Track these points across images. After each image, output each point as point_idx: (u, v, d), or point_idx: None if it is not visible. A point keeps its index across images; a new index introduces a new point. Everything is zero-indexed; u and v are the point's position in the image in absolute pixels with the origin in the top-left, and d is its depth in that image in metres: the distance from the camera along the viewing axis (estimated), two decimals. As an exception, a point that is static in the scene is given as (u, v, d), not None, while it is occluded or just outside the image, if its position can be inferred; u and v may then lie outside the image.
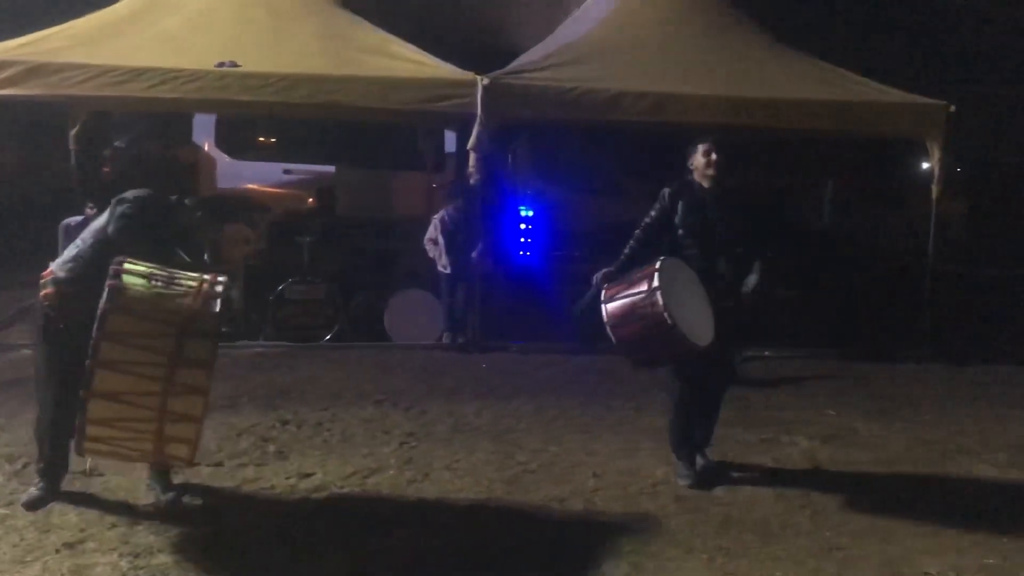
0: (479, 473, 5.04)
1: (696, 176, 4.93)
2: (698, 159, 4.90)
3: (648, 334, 4.41)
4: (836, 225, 11.99)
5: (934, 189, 8.24)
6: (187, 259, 4.09)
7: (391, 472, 5.01)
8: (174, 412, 3.65)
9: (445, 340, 8.23)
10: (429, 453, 5.34)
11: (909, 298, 8.75)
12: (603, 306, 4.55)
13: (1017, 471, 5.33)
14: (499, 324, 8.34)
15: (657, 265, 4.46)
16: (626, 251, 4.90)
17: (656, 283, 4.37)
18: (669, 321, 4.31)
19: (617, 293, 4.53)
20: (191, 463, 3.96)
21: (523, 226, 9.91)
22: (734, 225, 4.89)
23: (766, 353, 8.08)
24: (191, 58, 7.45)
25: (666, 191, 4.94)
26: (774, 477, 5.09)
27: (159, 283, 3.72)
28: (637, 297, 4.42)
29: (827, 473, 5.24)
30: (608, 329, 4.51)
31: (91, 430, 3.62)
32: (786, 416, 6.32)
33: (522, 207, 9.93)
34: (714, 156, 4.86)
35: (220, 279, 3.82)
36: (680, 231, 4.87)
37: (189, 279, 3.79)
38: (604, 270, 4.78)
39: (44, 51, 7.36)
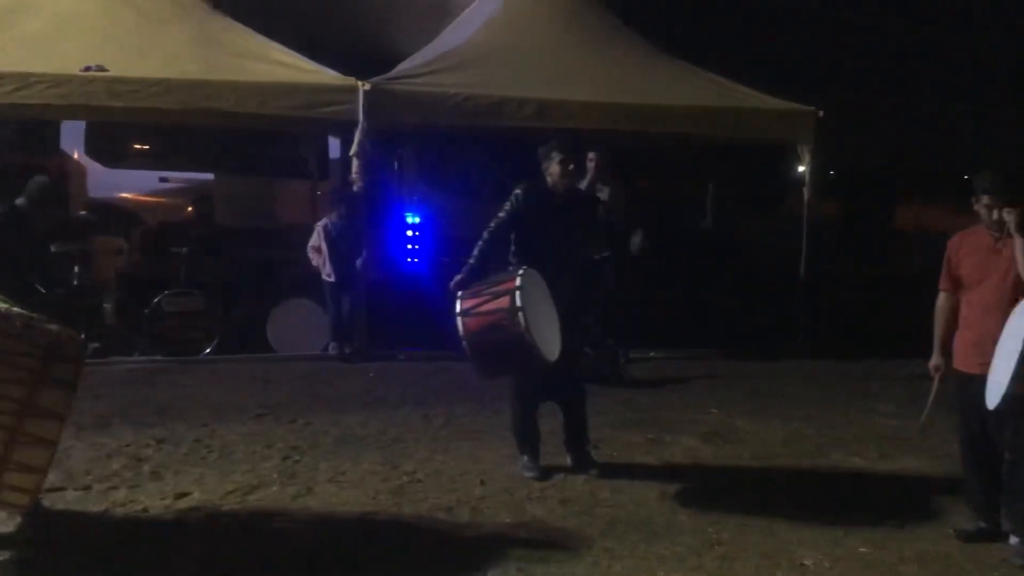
0: (365, 485, 4.94)
1: (549, 180, 4.94)
2: (553, 167, 4.90)
3: (506, 351, 4.44)
4: (717, 227, 12.32)
5: (806, 192, 8.56)
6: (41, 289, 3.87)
7: (274, 488, 4.86)
8: (17, 462, 3.45)
9: (331, 350, 8.08)
10: (313, 466, 5.21)
11: (785, 297, 9.06)
12: (459, 319, 4.50)
13: (887, 463, 5.57)
14: (387, 332, 8.24)
15: (518, 282, 4.44)
16: (476, 253, 4.88)
17: (518, 302, 4.37)
18: (529, 341, 4.35)
19: (475, 307, 4.50)
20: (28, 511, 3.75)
21: (410, 233, 9.81)
22: (582, 228, 4.96)
23: (651, 354, 8.25)
24: (55, 62, 7.11)
25: (518, 192, 4.93)
26: (659, 476, 5.16)
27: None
28: (498, 315, 4.41)
29: (709, 470, 5.36)
30: (464, 342, 4.49)
31: None
32: (670, 416, 6.44)
33: (409, 213, 9.83)
34: (571, 167, 4.89)
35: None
36: (530, 232, 4.89)
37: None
38: (456, 278, 4.74)
39: None
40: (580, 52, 8.67)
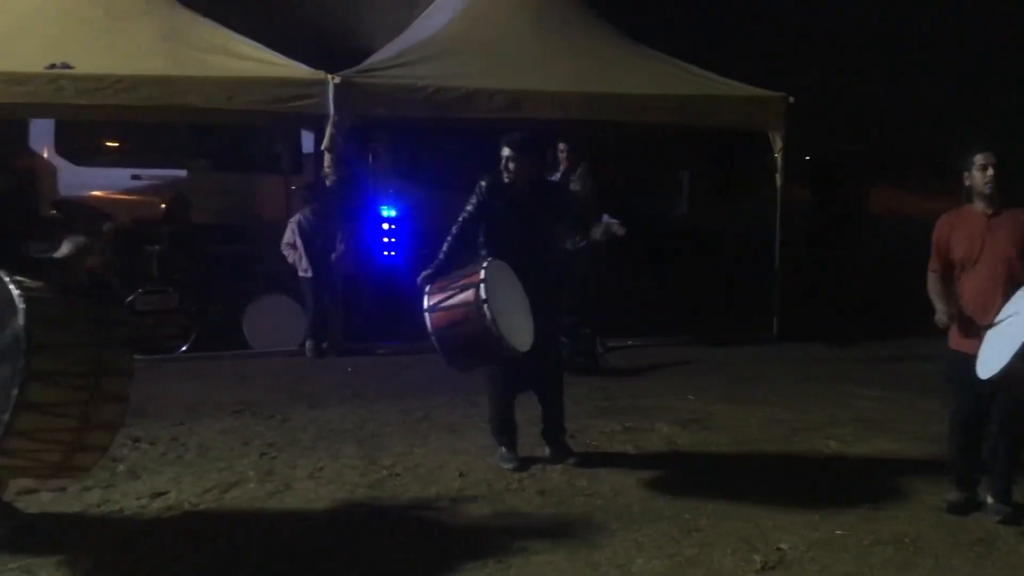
0: (343, 480, 4.93)
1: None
2: (501, 164, 4.90)
3: (473, 344, 4.47)
4: (691, 215, 12.38)
5: (777, 178, 8.61)
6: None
7: (251, 485, 4.84)
8: (98, 420, 3.57)
9: (308, 352, 8.03)
10: (291, 462, 5.19)
11: (760, 283, 9.12)
12: (426, 314, 4.52)
13: (863, 445, 5.62)
14: (364, 327, 8.22)
15: (482, 275, 4.46)
16: (444, 248, 4.90)
17: (483, 295, 4.39)
18: (496, 333, 4.38)
19: (441, 302, 4.51)
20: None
21: (386, 226, 9.79)
22: (550, 220, 4.96)
23: (628, 342, 8.27)
24: (19, 60, 7.02)
25: (483, 184, 4.94)
26: (636, 464, 5.19)
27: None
28: (464, 309, 4.43)
29: (686, 457, 5.39)
30: (432, 337, 4.51)
31: (12, 443, 3.38)
32: (647, 403, 6.47)
33: (384, 206, 9.80)
34: (511, 165, 4.87)
35: None
36: (496, 224, 4.90)
37: None
38: (424, 272, 4.75)
39: None
40: (550, 42, 8.66)
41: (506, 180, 4.90)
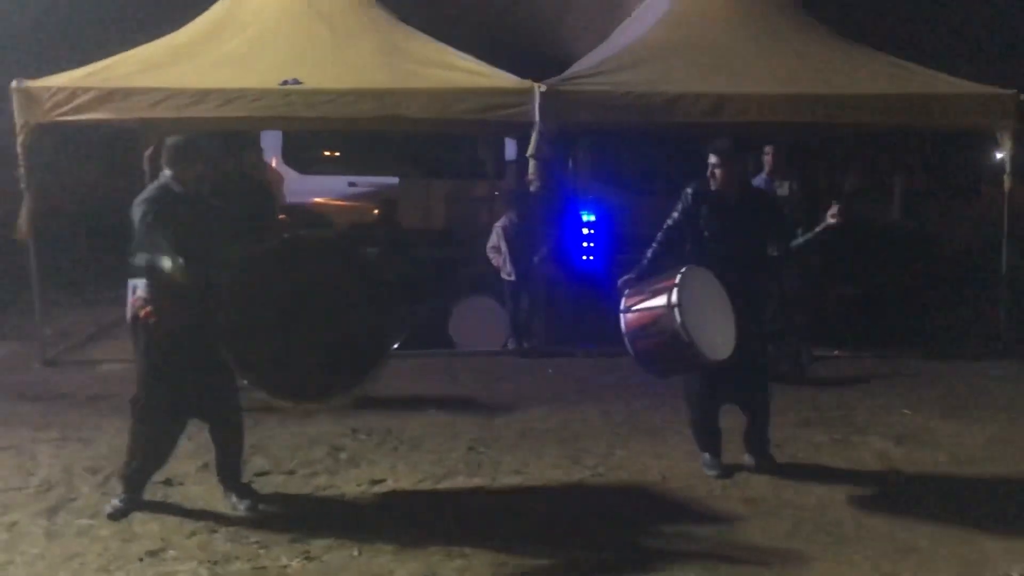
0: (547, 477, 5.07)
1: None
2: (709, 170, 4.86)
3: (665, 349, 4.47)
4: (906, 220, 11.74)
5: (1006, 180, 8.02)
6: None
7: (460, 478, 5.07)
8: None
9: (510, 346, 8.28)
10: (497, 459, 5.38)
11: (982, 294, 8.51)
12: (622, 316, 4.58)
13: (1103, 469, 5.16)
14: (564, 329, 8.35)
15: (677, 279, 4.45)
16: (648, 254, 4.91)
17: (675, 299, 4.38)
18: (686, 339, 4.35)
19: (636, 304, 4.55)
20: None
21: (585, 231, 9.91)
22: (757, 227, 4.85)
23: (835, 353, 7.94)
24: (256, 77, 7.63)
25: (688, 191, 4.91)
26: (846, 478, 5.00)
27: None
28: (656, 311, 4.44)
29: (902, 474, 5.13)
30: (626, 340, 4.55)
31: None
32: (858, 416, 6.21)
33: (584, 212, 9.93)
34: (717, 172, 4.81)
35: None
36: (705, 233, 4.85)
37: None
38: (625, 276, 4.78)
39: (115, 76, 7.61)
40: (757, 44, 8.45)
41: (713, 187, 4.87)
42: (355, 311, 4.39)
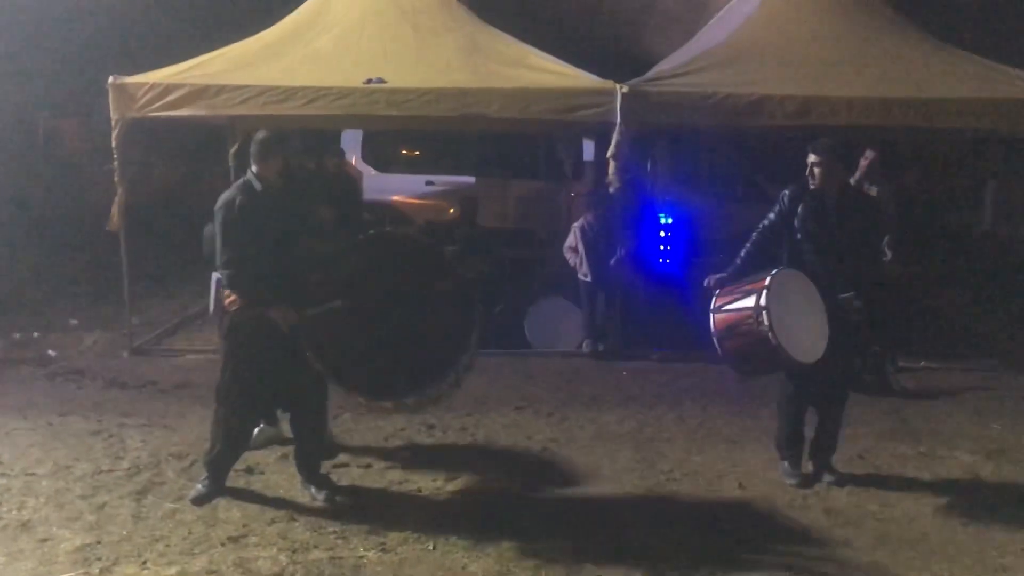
0: (622, 481, 5.03)
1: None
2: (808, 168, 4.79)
3: (753, 350, 4.45)
4: (998, 227, 11.34)
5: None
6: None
7: (533, 477, 5.07)
8: None
9: (585, 347, 8.24)
10: (570, 460, 5.36)
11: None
12: (711, 315, 4.59)
13: None
14: (640, 332, 8.28)
15: (767, 281, 4.43)
16: (741, 255, 4.88)
17: (763, 301, 4.36)
18: (773, 341, 4.32)
19: (725, 304, 4.55)
20: None
21: (663, 233, 9.82)
22: (855, 230, 4.74)
23: (922, 364, 7.70)
24: (341, 76, 7.74)
25: (785, 194, 4.87)
26: (933, 492, 4.86)
27: None
28: (744, 312, 4.44)
29: (991, 489, 4.97)
30: (714, 339, 4.55)
31: None
32: (945, 429, 6.01)
33: (662, 214, 9.84)
34: (816, 171, 4.74)
35: None
36: (799, 236, 4.77)
37: None
38: (717, 276, 4.77)
39: (206, 74, 7.81)
40: (846, 45, 8.23)
41: (812, 187, 4.78)
42: (435, 309, 4.42)
